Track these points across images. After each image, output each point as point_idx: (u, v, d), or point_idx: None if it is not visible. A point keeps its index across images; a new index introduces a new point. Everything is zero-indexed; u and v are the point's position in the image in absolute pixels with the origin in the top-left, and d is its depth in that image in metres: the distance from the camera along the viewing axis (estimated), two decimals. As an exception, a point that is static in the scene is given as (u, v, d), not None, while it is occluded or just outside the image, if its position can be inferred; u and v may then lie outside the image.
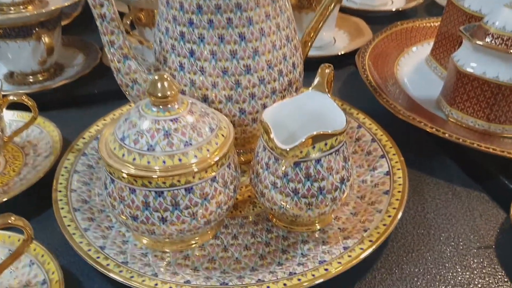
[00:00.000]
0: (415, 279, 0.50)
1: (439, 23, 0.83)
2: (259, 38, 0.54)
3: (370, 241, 0.51)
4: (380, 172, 0.61)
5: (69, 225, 0.53)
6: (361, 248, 0.50)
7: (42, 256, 0.49)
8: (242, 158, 0.64)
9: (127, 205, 0.47)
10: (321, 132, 0.47)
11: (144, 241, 0.53)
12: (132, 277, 0.48)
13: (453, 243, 0.54)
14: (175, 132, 0.46)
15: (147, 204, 0.47)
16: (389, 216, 0.54)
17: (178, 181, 0.46)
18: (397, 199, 0.56)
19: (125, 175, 0.46)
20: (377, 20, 1.04)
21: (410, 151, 0.64)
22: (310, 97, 0.54)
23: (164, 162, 0.46)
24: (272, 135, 0.48)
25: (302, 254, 0.52)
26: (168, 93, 0.47)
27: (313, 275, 0.47)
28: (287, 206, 0.50)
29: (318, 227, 0.55)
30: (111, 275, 0.48)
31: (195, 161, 0.46)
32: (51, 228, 0.56)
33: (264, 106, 0.56)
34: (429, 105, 0.73)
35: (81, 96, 0.82)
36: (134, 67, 0.56)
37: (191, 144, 0.47)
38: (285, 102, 0.53)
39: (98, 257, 0.50)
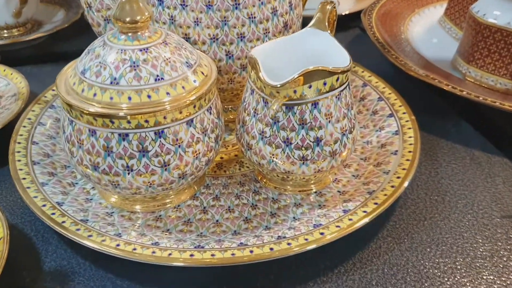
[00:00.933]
0: (428, 249, 0.42)
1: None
2: (250, -33, 0.46)
3: (375, 203, 0.43)
4: (388, 132, 0.53)
5: (24, 178, 0.46)
6: (365, 211, 0.42)
7: (-12, 211, 0.42)
8: (230, 116, 0.56)
9: (86, 151, 0.40)
10: (320, 68, 0.39)
11: (113, 199, 0.45)
12: (90, 236, 0.40)
13: (471, 211, 0.46)
14: (144, 63, 0.39)
15: (109, 149, 0.39)
16: (398, 177, 0.46)
17: (146, 121, 0.38)
18: (407, 160, 0.48)
19: (83, 114, 0.38)
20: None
21: (422, 114, 0.55)
22: (308, 35, 0.46)
23: (129, 98, 0.38)
24: (261, 73, 0.40)
25: (294, 218, 0.44)
26: (138, 17, 0.39)
27: (306, 239, 0.40)
28: (278, 160, 0.42)
29: (314, 189, 0.47)
30: (66, 233, 0.40)
31: (167, 99, 0.39)
32: (8, 184, 0.49)
33: (255, 49, 0.48)
34: (443, 66, 0.65)
35: (58, 53, 0.75)
36: (107, 2, 0.49)
37: (162, 78, 0.39)
38: (279, 41, 0.46)
39: (53, 214, 0.42)
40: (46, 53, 0.75)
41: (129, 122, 0.38)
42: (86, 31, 0.74)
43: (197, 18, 0.46)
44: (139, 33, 0.40)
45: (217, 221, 0.44)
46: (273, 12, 0.48)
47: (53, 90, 0.58)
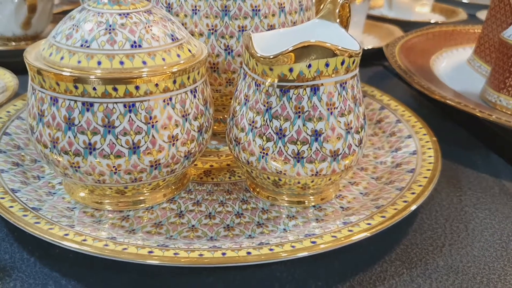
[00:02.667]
0: (445, 277, 0.34)
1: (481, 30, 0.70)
2: (258, -45, 0.42)
3: (383, 217, 0.36)
4: (405, 152, 0.46)
5: (-18, 164, 0.40)
6: (369, 224, 0.35)
7: None
8: (229, 127, 0.51)
9: (46, 124, 0.34)
10: (322, 44, 0.34)
11: (81, 194, 0.39)
12: (37, 223, 0.34)
13: (499, 241, 0.38)
14: (121, 27, 0.34)
15: (70, 121, 0.33)
16: (413, 193, 0.39)
17: (115, 89, 0.33)
18: (425, 177, 0.41)
19: (44, 78, 0.33)
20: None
21: (446, 143, 0.49)
22: (315, 26, 0.41)
23: (99, 63, 0.33)
24: (253, 50, 0.35)
25: (284, 229, 0.37)
26: (121, -20, 0.35)
27: (293, 247, 0.32)
28: (269, 156, 0.36)
29: (313, 202, 0.40)
30: (9, 217, 0.34)
31: (142, 68, 0.33)
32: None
33: (257, 43, 0.43)
34: (471, 98, 0.58)
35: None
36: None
37: (140, 46, 0.34)
38: (282, 31, 0.41)
39: (2, 198, 0.36)
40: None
41: (94, 88, 0.33)
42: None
43: (195, 6, 0.42)
44: (121, -2, 0.36)
45: (192, 226, 0.37)
46: (280, 8, 0.44)
47: (43, 89, 0.54)
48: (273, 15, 0.44)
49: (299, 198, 0.40)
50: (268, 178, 0.38)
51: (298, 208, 0.39)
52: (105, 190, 0.37)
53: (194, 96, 0.37)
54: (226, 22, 0.42)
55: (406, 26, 0.91)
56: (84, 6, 0.36)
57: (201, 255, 0.31)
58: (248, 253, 0.32)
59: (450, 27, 0.79)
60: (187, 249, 0.32)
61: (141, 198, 0.39)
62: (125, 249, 0.32)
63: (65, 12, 0.89)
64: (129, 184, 0.36)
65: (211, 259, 0.31)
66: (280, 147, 0.36)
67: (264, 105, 0.35)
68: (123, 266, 0.33)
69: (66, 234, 0.33)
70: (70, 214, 0.37)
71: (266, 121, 0.36)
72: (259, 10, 0.43)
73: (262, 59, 0.34)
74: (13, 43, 0.73)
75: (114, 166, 0.34)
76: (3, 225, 0.38)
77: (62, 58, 0.34)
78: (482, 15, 1.03)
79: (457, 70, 0.69)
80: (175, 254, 0.31)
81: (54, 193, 0.40)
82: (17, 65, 0.60)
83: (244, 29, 0.43)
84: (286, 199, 0.40)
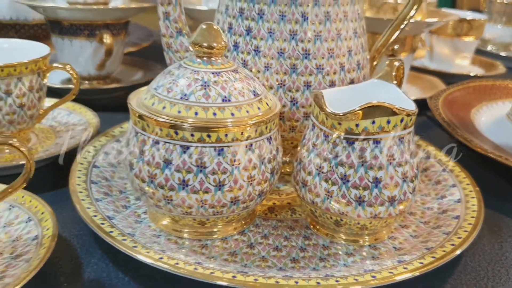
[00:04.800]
0: (489, 315, 0.38)
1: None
2: (323, 22, 0.49)
3: (433, 257, 0.40)
4: (450, 200, 0.51)
5: (81, 192, 0.47)
6: (421, 263, 0.40)
7: (42, 213, 0.43)
8: (287, 168, 0.56)
9: (146, 162, 0.40)
10: (384, 104, 0.39)
11: (164, 222, 0.44)
12: (135, 247, 0.39)
13: (540, 287, 0.42)
14: (214, 84, 0.40)
15: (168, 161, 0.40)
16: (459, 237, 0.43)
17: (209, 136, 0.39)
18: (469, 224, 0.45)
19: (149, 124, 0.40)
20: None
21: (488, 194, 0.53)
22: (374, 86, 0.47)
23: (196, 113, 0.39)
24: (324, 104, 0.41)
25: (344, 264, 0.42)
26: (214, 44, 0.42)
27: (356, 280, 0.37)
28: (333, 198, 0.41)
29: (368, 242, 0.45)
30: (112, 241, 0.40)
31: (231, 119, 0.40)
32: (64, 202, 0.50)
33: (321, 97, 0.49)
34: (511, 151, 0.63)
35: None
36: (187, 44, 0.52)
37: (229, 100, 0.40)
38: (344, 89, 0.47)
39: (102, 224, 0.42)
40: (120, 103, 0.79)
41: (192, 135, 0.39)
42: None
43: (267, 64, 0.49)
44: (213, 59, 0.42)
45: (263, 257, 0.42)
46: (340, 67, 0.50)
47: (122, 127, 0.61)
48: (334, 73, 0.50)
49: (355, 237, 0.44)
50: (331, 218, 0.43)
51: (355, 246, 0.44)
52: (189, 221, 0.43)
53: (269, 143, 0.42)
54: (293, 78, 0.49)
55: (447, 77, 0.96)
56: (181, 64, 0.43)
57: (277, 282, 0.36)
58: (318, 283, 0.37)
59: (490, 82, 0.84)
60: (264, 276, 0.37)
61: (215, 229, 0.44)
62: (212, 273, 0.37)
63: (130, 54, 0.97)
64: (211, 217, 0.42)
65: (287, 286, 0.36)
66: (344, 191, 0.41)
67: (331, 153, 0.41)
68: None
69: (161, 258, 0.38)
70: (157, 240, 0.43)
71: (332, 168, 0.41)
72: (322, 68, 0.49)
73: (332, 115, 0.39)
74: (86, 82, 0.81)
75: (201, 201, 0.40)
76: (98, 247, 0.44)
77: (164, 107, 0.40)
78: (520, 69, 1.08)
79: (497, 123, 0.73)
80: (255, 280, 0.36)
81: (140, 221, 0.46)
82: (90, 102, 0.68)
83: (309, 84, 0.49)
84: (344, 237, 0.45)
